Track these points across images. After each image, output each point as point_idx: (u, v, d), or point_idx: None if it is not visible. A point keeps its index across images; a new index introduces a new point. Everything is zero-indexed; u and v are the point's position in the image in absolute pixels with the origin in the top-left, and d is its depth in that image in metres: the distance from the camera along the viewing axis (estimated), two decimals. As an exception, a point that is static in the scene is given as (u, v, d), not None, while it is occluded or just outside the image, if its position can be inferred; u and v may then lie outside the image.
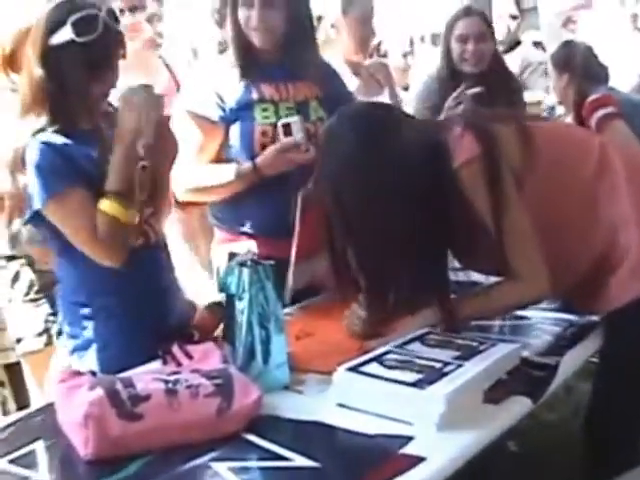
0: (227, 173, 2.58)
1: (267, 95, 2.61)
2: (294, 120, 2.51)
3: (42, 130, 2.13)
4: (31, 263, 2.92)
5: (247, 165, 2.54)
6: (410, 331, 2.02)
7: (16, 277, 2.94)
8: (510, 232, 1.94)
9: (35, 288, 2.93)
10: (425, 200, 1.92)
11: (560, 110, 4.94)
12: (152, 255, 2.31)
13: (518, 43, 5.64)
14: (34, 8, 2.70)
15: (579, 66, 4.32)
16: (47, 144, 2.10)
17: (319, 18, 3.38)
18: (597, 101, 3.97)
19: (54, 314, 2.84)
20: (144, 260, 2.25)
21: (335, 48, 3.36)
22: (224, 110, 2.60)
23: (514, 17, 5.55)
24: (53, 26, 2.12)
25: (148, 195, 2.27)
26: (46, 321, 2.91)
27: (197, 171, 2.59)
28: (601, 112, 3.91)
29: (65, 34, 2.10)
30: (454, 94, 3.32)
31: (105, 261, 2.14)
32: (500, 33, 5.44)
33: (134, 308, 2.21)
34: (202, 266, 3.53)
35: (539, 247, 1.96)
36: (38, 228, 2.25)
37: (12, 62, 2.86)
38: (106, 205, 2.10)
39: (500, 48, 5.29)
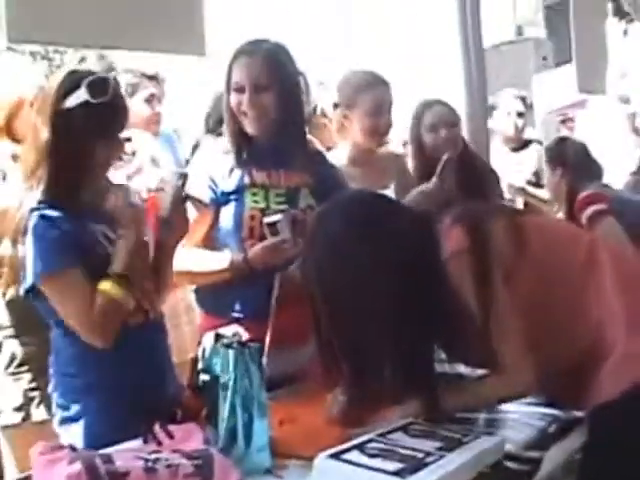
0: (219, 262, 2.60)
1: (258, 181, 2.66)
2: (279, 218, 2.55)
3: (42, 202, 2.16)
4: (17, 334, 2.89)
5: (238, 257, 2.57)
6: (394, 420, 2.01)
7: None
8: (496, 326, 1.95)
9: (16, 361, 2.89)
10: (411, 291, 1.94)
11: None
12: (150, 333, 2.33)
13: (528, 142, 5.68)
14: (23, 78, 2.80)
15: (572, 162, 4.38)
16: (46, 218, 2.13)
17: (335, 105, 3.38)
18: (589, 197, 4.05)
19: (34, 389, 2.83)
20: (141, 337, 2.27)
21: (346, 134, 3.35)
22: (215, 193, 2.65)
23: (520, 114, 5.60)
24: (67, 90, 2.19)
25: (151, 271, 2.29)
26: (25, 396, 2.86)
27: (187, 255, 2.59)
28: (592, 208, 3.98)
29: (80, 96, 2.16)
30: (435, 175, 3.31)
31: (95, 341, 2.16)
32: (508, 130, 5.51)
33: (127, 385, 2.22)
34: (183, 345, 3.52)
35: (524, 342, 1.97)
36: (35, 299, 2.25)
37: (9, 130, 2.90)
38: (107, 286, 2.15)
39: (509, 146, 5.36)
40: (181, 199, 2.32)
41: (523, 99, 5.73)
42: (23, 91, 2.87)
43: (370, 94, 3.24)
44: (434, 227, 2.03)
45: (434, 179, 3.32)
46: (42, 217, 2.13)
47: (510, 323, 1.97)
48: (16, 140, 2.87)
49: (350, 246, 1.97)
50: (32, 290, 2.16)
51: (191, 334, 3.53)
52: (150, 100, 3.73)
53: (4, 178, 2.84)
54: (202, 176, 2.65)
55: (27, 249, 2.13)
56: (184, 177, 2.32)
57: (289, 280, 2.52)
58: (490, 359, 1.99)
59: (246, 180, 2.65)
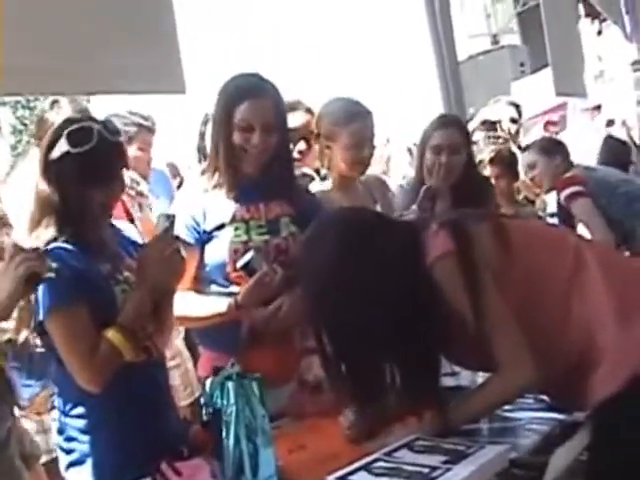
0: (215, 308, 2.61)
1: (238, 215, 2.67)
2: (250, 257, 2.56)
3: (54, 240, 2.19)
4: None
5: (231, 304, 2.57)
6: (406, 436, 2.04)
7: None
8: (490, 323, 1.97)
9: None
10: (404, 300, 1.96)
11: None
12: (152, 372, 2.34)
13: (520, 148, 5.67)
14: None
15: (566, 152, 4.68)
16: (55, 255, 2.14)
17: (317, 134, 3.36)
18: (568, 179, 4.48)
19: None
20: (144, 376, 2.28)
21: (328, 162, 3.30)
22: (199, 233, 2.66)
23: (514, 121, 5.62)
24: (52, 142, 2.22)
25: (152, 312, 2.31)
26: None
27: (182, 299, 2.56)
28: (569, 190, 4.40)
29: (61, 147, 2.19)
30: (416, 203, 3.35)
31: (90, 384, 2.17)
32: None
33: (131, 424, 2.23)
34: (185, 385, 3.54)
35: (520, 333, 1.98)
36: (42, 337, 2.26)
37: None
38: (114, 336, 2.17)
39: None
40: (172, 239, 2.33)
41: (516, 106, 5.75)
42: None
43: (350, 128, 3.19)
44: (420, 235, 2.06)
45: (414, 207, 3.34)
46: (51, 254, 2.15)
47: (504, 317, 1.99)
48: None
49: (340, 268, 1.99)
50: (41, 326, 2.18)
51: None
52: (143, 148, 3.80)
53: None
54: (184, 217, 2.64)
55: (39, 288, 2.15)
56: (173, 218, 2.33)
57: (260, 323, 2.56)
58: (489, 358, 2.00)
59: (226, 216, 2.66)
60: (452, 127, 3.60)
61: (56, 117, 2.35)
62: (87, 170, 2.21)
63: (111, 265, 2.31)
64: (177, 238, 2.35)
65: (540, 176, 4.70)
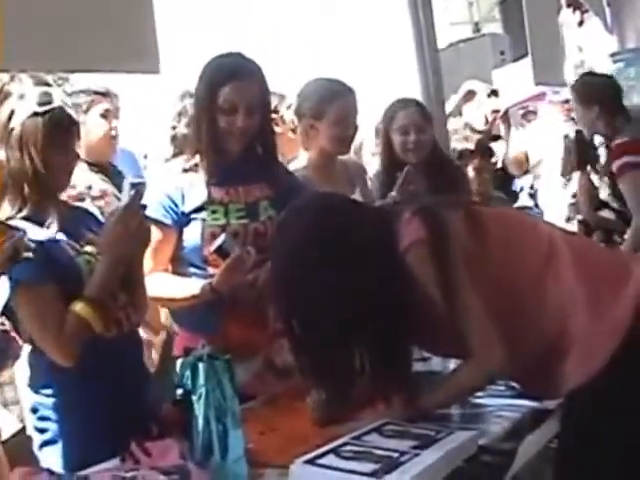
0: (189, 290, 2.61)
1: (216, 198, 2.65)
2: (222, 240, 2.55)
3: (11, 219, 2.18)
4: None
5: (206, 286, 2.57)
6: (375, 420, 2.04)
7: None
8: (460, 309, 1.98)
9: None
10: (376, 287, 1.95)
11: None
12: (124, 346, 2.32)
13: (497, 137, 5.68)
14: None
15: (609, 99, 4.27)
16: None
17: (299, 115, 3.35)
18: (625, 146, 4.04)
19: None
20: (115, 351, 2.26)
21: (311, 142, 3.31)
22: (176, 213, 2.65)
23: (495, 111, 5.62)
24: (12, 110, 2.22)
25: (122, 283, 2.30)
26: None
27: (157, 280, 2.58)
28: (624, 159, 3.99)
29: (28, 107, 2.20)
30: (396, 187, 3.38)
31: (61, 358, 2.16)
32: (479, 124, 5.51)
33: (101, 400, 2.22)
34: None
35: (490, 323, 1.98)
36: (11, 317, 2.25)
37: None
38: (81, 308, 2.15)
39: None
40: (139, 208, 2.29)
41: (495, 93, 5.74)
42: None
43: (338, 104, 3.21)
44: (394, 222, 2.05)
45: (394, 192, 3.35)
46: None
47: (474, 305, 1.99)
48: None
49: (311, 253, 1.98)
50: (9, 305, 2.16)
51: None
52: (105, 115, 3.73)
53: None
54: (161, 198, 2.63)
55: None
56: (141, 186, 2.31)
57: (239, 292, 2.56)
58: (459, 346, 2.00)
59: (204, 198, 2.65)
60: (413, 107, 3.70)
61: (18, 88, 2.34)
62: (49, 128, 2.20)
63: (72, 238, 2.29)
64: (144, 207, 2.32)
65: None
